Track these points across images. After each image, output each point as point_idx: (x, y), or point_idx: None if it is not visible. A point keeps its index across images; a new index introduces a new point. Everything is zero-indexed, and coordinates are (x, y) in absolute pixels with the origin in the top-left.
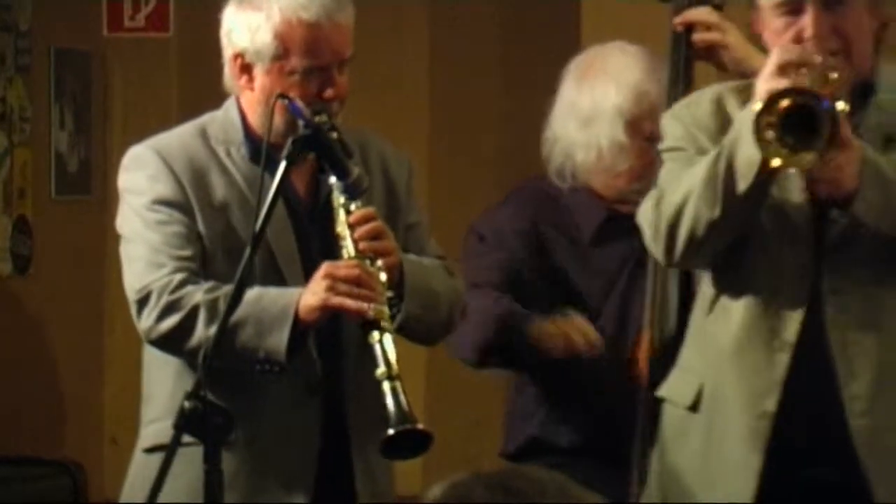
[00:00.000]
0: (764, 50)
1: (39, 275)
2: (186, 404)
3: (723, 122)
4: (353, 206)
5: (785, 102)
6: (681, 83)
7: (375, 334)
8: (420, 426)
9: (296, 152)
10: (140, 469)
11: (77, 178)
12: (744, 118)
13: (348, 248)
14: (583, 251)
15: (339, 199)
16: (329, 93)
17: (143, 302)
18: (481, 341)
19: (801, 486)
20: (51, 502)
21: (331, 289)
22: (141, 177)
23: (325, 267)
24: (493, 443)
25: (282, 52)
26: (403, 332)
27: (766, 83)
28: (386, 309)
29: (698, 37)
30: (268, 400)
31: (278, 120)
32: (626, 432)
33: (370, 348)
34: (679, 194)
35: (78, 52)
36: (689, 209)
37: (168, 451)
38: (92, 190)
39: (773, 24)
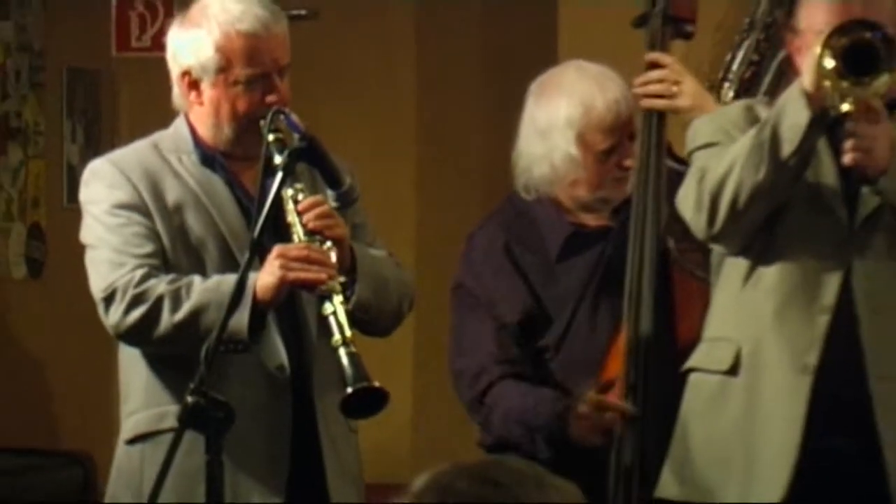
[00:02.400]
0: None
1: (52, 278)
2: (190, 399)
3: (753, 122)
4: (300, 196)
5: (843, 40)
6: (654, 121)
7: (328, 306)
8: (376, 384)
9: (292, 163)
10: (123, 459)
11: None
12: (789, 92)
13: (298, 233)
14: (550, 267)
15: (287, 191)
16: (272, 98)
17: (109, 299)
18: (506, 439)
19: (821, 456)
20: (63, 491)
21: (284, 267)
22: (100, 187)
23: (276, 249)
24: (477, 439)
25: (224, 63)
26: (357, 322)
27: (816, 52)
28: (338, 285)
29: (646, 104)
30: (235, 383)
31: (230, 129)
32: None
33: (326, 321)
34: (723, 166)
35: (88, 71)
36: (733, 177)
37: (172, 441)
38: None
39: (811, 46)
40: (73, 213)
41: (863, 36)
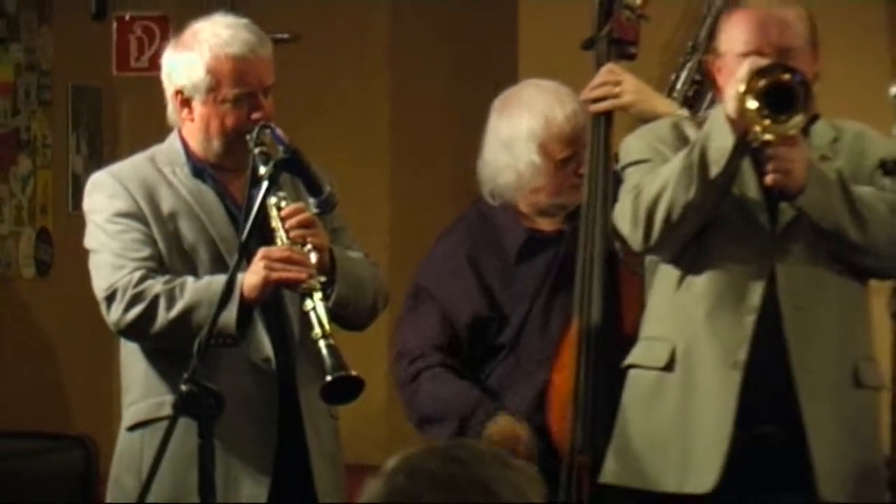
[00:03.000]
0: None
1: (58, 278)
2: (184, 388)
3: (681, 140)
4: (282, 203)
5: (763, 82)
6: (602, 125)
7: (309, 303)
8: (353, 373)
9: (277, 173)
10: (125, 444)
11: None
12: (714, 117)
13: (281, 237)
14: (509, 269)
15: (270, 199)
16: (257, 115)
17: (110, 298)
18: (438, 432)
19: (751, 442)
20: (67, 472)
21: (268, 267)
22: (101, 197)
23: (261, 251)
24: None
25: (214, 84)
26: (336, 317)
27: (738, 85)
28: (317, 283)
29: (594, 108)
30: (225, 374)
31: (219, 144)
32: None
33: (307, 316)
34: (656, 185)
35: (91, 89)
36: (666, 196)
37: (167, 428)
38: None
39: (734, 69)
40: (77, 219)
41: (782, 78)
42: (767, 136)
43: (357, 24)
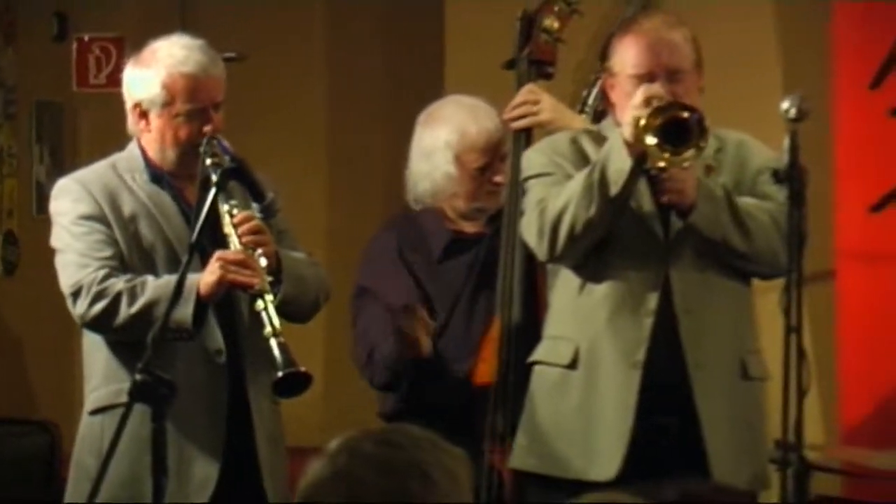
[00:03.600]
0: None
1: (24, 276)
2: (138, 377)
3: (579, 153)
4: (234, 211)
5: (663, 117)
6: (522, 139)
7: (261, 303)
8: (302, 368)
9: (224, 180)
10: (87, 427)
11: None
12: (613, 140)
13: (234, 242)
14: (434, 267)
15: (223, 206)
16: (207, 129)
17: (76, 294)
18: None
19: (651, 433)
20: (33, 454)
21: (223, 268)
22: (67, 201)
23: (217, 254)
24: (377, 410)
25: (169, 99)
26: (282, 312)
27: (634, 111)
28: (267, 285)
29: (514, 125)
30: (181, 365)
31: (173, 153)
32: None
33: (258, 315)
34: (560, 202)
35: (53, 103)
36: (569, 212)
37: (123, 414)
38: None
39: (626, 88)
40: (41, 223)
41: (681, 115)
42: (662, 164)
43: (297, 43)
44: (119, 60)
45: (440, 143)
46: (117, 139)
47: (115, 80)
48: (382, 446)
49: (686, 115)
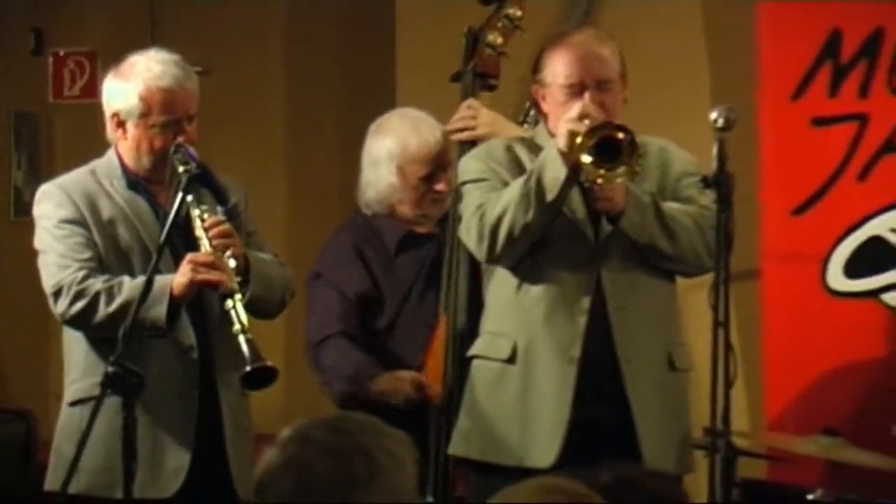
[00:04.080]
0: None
1: (4, 276)
2: (110, 369)
3: (513, 160)
4: (205, 216)
5: (598, 137)
6: (466, 149)
7: (230, 302)
8: (269, 363)
9: (189, 185)
10: (66, 418)
11: (30, 206)
12: (548, 150)
13: (205, 245)
14: (390, 262)
15: (195, 211)
16: (181, 138)
17: (57, 294)
18: (339, 395)
19: (586, 423)
20: (10, 441)
21: (194, 270)
22: (49, 205)
23: (188, 256)
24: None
25: (146, 110)
26: (250, 310)
27: (569, 124)
28: (236, 285)
29: (455, 137)
30: (155, 360)
31: (148, 161)
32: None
33: (227, 313)
34: (499, 208)
35: (30, 114)
36: (507, 217)
37: (95, 404)
38: None
39: (558, 98)
40: (18, 226)
41: (615, 135)
42: (601, 182)
43: (257, 56)
44: (92, 73)
45: (384, 154)
46: (91, 147)
47: (88, 91)
48: (330, 433)
49: (621, 135)
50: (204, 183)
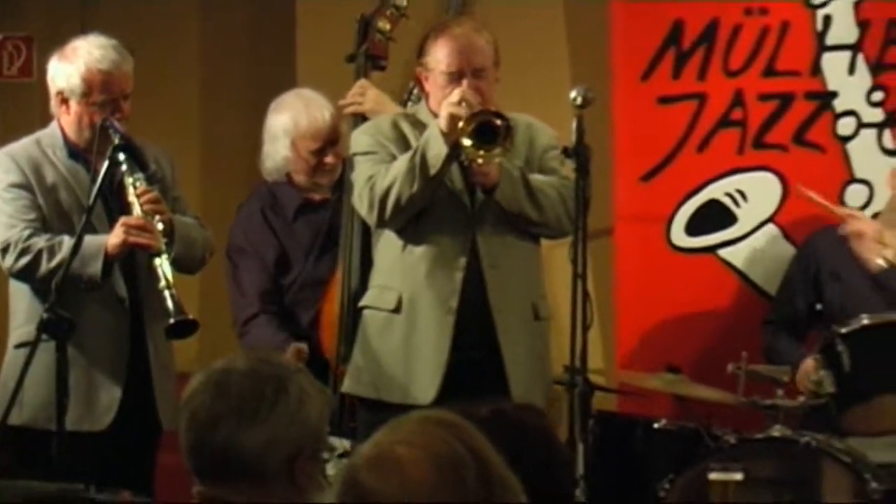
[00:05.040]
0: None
1: None
2: (45, 315)
3: (399, 135)
4: (136, 183)
5: (478, 122)
6: (359, 123)
7: (157, 260)
8: (191, 316)
9: (115, 154)
10: (11, 358)
11: None
12: (431, 130)
13: (136, 210)
14: (289, 226)
15: (128, 179)
16: (118, 115)
17: (4, 250)
18: None
19: (460, 363)
20: None
21: (126, 232)
22: None
23: (122, 220)
24: None
25: (87, 90)
26: (175, 267)
27: (450, 108)
28: (163, 245)
29: (345, 112)
30: (91, 309)
31: (88, 134)
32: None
33: (154, 270)
34: (388, 179)
35: None
36: (395, 189)
37: (32, 346)
38: None
39: (439, 82)
40: None
41: (494, 122)
42: (480, 162)
43: (175, 41)
44: (28, 55)
45: (280, 130)
46: (28, 120)
47: (25, 72)
48: (254, 361)
49: (498, 122)
50: (126, 152)
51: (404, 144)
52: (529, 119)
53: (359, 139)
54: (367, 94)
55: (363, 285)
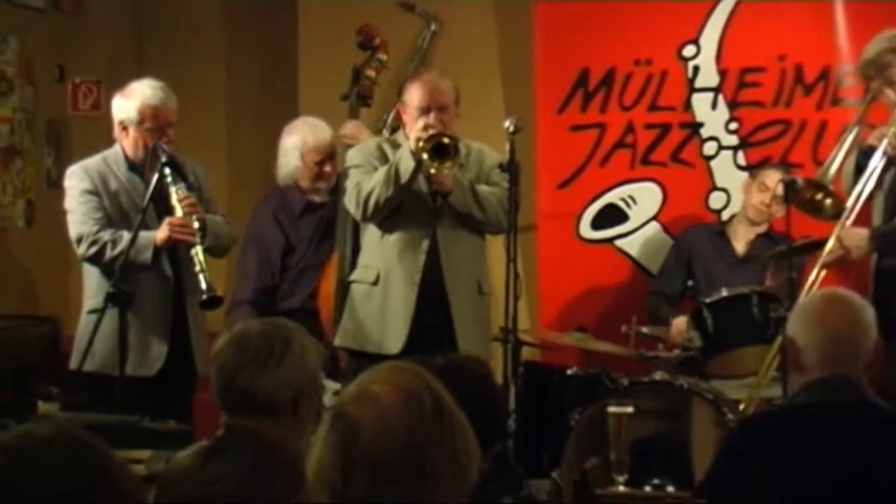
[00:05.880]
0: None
1: (38, 228)
2: (110, 289)
3: (382, 154)
4: (178, 191)
5: (432, 142)
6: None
7: (193, 250)
8: (219, 293)
9: (163, 169)
10: (84, 324)
11: (57, 181)
12: (403, 149)
13: (178, 211)
14: (295, 221)
15: (172, 188)
16: (165, 139)
17: (79, 241)
18: None
19: (421, 325)
20: (42, 340)
21: (171, 229)
22: (75, 181)
23: (167, 219)
24: None
25: (141, 119)
26: (207, 253)
27: (417, 132)
28: (198, 239)
29: (345, 141)
30: (145, 285)
31: (142, 153)
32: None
33: (191, 258)
34: (370, 185)
35: (57, 121)
36: (375, 192)
37: (100, 312)
38: None
39: (413, 115)
40: (49, 194)
41: (444, 141)
42: (434, 172)
43: (207, 80)
44: (97, 94)
45: (291, 147)
46: (96, 142)
47: (94, 106)
48: (266, 325)
49: (447, 141)
50: (172, 167)
51: (385, 160)
52: (481, 146)
53: (351, 155)
54: (361, 134)
55: (353, 266)
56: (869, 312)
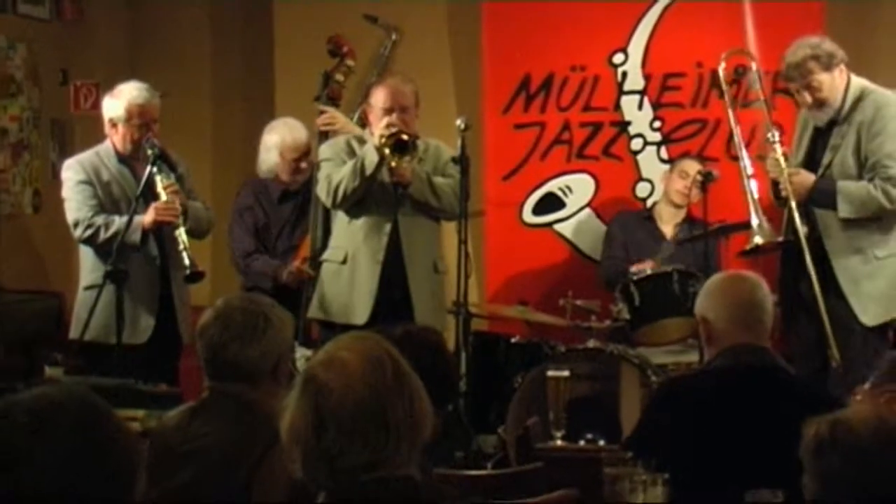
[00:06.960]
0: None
1: (44, 213)
2: (108, 268)
3: (350, 149)
4: (163, 179)
5: (394, 139)
6: (324, 138)
7: (177, 231)
8: (200, 269)
9: (154, 160)
10: (82, 298)
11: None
12: (368, 144)
13: (162, 196)
14: (275, 205)
15: (158, 176)
16: (150, 134)
17: (75, 225)
18: (264, 282)
19: (384, 299)
20: (48, 313)
21: (157, 213)
22: (70, 172)
23: (153, 204)
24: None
25: (128, 117)
26: (189, 235)
27: (380, 130)
28: (181, 221)
29: (323, 129)
30: (135, 264)
31: (130, 147)
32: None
33: (175, 238)
34: (339, 177)
35: (61, 119)
36: (344, 183)
37: (99, 287)
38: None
39: (378, 115)
40: (54, 184)
41: (403, 137)
42: (394, 164)
43: (194, 84)
44: (97, 96)
45: (272, 144)
46: (95, 138)
47: (94, 107)
48: (245, 302)
49: (406, 137)
50: (162, 159)
51: (353, 155)
52: (438, 142)
53: (323, 150)
54: (337, 118)
55: (324, 247)
56: (764, 287)
